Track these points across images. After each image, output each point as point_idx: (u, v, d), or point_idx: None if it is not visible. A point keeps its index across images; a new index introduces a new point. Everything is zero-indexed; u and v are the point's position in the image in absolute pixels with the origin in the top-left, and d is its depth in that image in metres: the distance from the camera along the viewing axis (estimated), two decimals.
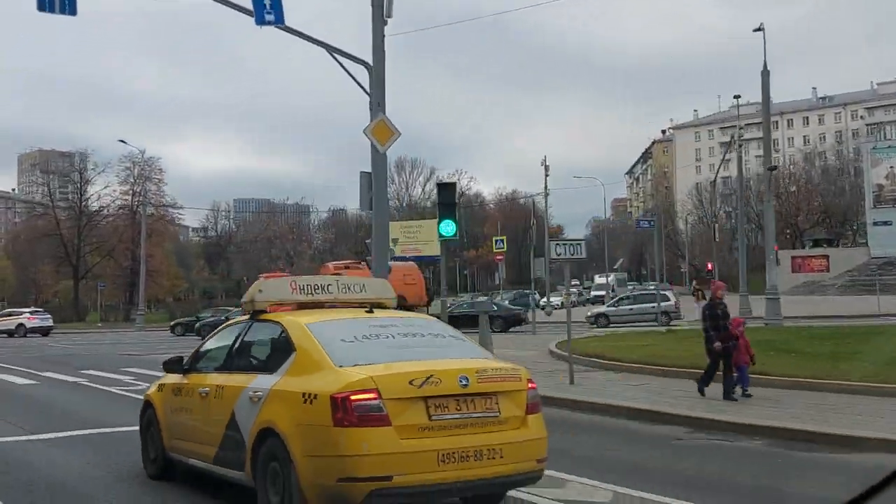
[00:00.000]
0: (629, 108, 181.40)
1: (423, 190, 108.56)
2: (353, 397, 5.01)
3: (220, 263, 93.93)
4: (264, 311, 6.57)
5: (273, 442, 5.39)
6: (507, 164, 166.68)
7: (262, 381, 5.80)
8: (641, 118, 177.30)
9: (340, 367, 5.33)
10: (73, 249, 66.90)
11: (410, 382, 5.12)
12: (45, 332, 47.46)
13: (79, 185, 66.05)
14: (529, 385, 5.64)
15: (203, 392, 6.56)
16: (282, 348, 5.95)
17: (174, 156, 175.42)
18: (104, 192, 66.47)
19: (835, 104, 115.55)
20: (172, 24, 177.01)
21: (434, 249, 63.55)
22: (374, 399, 5.01)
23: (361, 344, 5.68)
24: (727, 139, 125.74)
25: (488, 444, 5.23)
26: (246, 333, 6.69)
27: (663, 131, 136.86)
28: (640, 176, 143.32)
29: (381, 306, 6.78)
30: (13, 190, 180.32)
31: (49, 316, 50.52)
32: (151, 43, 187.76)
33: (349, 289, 6.87)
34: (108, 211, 67.56)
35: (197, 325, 38.95)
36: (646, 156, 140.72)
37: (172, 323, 46.44)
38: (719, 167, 60.78)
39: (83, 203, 66.56)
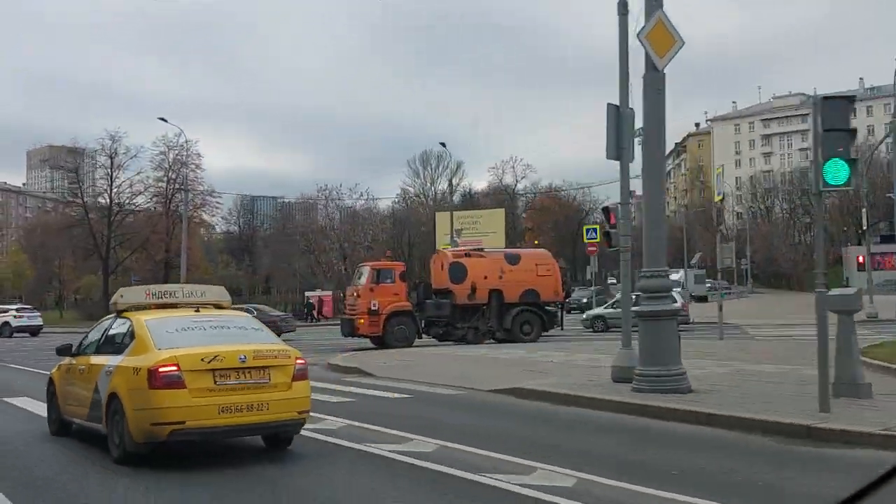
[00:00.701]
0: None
1: (449, 184, 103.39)
2: (160, 369, 7.55)
3: (244, 258, 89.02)
4: (124, 311, 9.08)
5: (116, 402, 7.89)
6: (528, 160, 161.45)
7: (113, 360, 8.31)
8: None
9: (159, 349, 7.85)
10: (102, 241, 61.54)
11: (202, 360, 7.65)
12: (33, 331, 42.77)
13: (109, 170, 60.58)
14: (298, 362, 8.17)
15: (81, 369, 9.12)
16: (128, 337, 8.47)
17: None
18: (136, 178, 60.87)
19: (884, 95, 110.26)
20: (174, 23, 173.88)
21: (497, 242, 58.33)
22: (176, 371, 7.53)
23: (179, 334, 8.16)
24: (770, 131, 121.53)
25: (258, 400, 7.73)
26: (111, 327, 9.20)
27: (697, 125, 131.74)
28: (672, 170, 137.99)
29: (218, 307, 9.32)
30: (23, 185, 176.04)
31: (38, 314, 45.85)
32: (153, 42, 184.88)
33: (192, 294, 9.41)
34: (140, 200, 62.11)
35: None
36: (678, 150, 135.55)
37: None
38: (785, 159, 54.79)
39: (113, 191, 61.19)
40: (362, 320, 24.82)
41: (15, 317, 43.57)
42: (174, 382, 7.42)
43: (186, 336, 8.06)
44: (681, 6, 14.80)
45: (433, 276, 26.70)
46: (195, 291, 9.43)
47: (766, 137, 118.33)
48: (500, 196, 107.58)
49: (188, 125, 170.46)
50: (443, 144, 60.08)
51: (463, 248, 29.41)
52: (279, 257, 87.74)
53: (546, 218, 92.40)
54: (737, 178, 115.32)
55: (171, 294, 9.23)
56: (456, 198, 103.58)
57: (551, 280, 26.08)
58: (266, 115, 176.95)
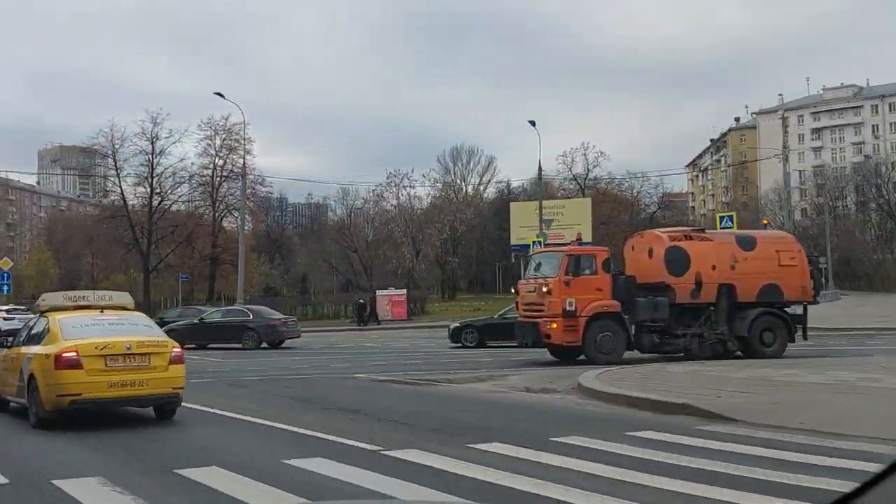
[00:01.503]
0: (659, 102, 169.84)
1: (480, 180, 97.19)
2: (64, 355, 9.88)
3: (276, 256, 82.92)
4: (46, 311, 11.35)
5: (33, 380, 10.22)
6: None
7: (33, 349, 10.63)
8: (681, 112, 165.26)
9: (65, 340, 10.16)
10: (142, 235, 55.17)
11: (96, 348, 9.99)
12: None
13: (150, 156, 54.12)
14: (174, 350, 10.55)
15: (12, 357, 11.40)
16: (45, 331, 10.72)
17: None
18: (180, 165, 54.33)
19: None
20: (181, 20, 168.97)
21: (583, 235, 51.78)
22: (75, 356, 9.85)
23: (83, 329, 10.41)
24: (820, 125, 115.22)
25: (140, 378, 10.07)
26: (35, 325, 11.51)
27: (737, 119, 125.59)
28: (710, 167, 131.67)
29: (123, 308, 11.66)
30: (37, 183, 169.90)
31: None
32: (161, 42, 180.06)
33: (101, 298, 11.84)
34: (183, 189, 55.54)
35: (163, 328, 29.43)
36: (718, 145, 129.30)
37: None
38: None
39: (154, 180, 54.64)
40: (554, 325, 17.93)
41: (4, 319, 37.54)
42: (73, 364, 9.86)
43: (88, 330, 10.42)
44: None
45: (635, 265, 19.87)
46: (104, 296, 12.11)
47: (817, 131, 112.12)
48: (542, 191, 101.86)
49: (195, 124, 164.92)
50: (532, 123, 51.38)
51: (682, 228, 22.75)
52: (316, 255, 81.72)
53: (616, 210, 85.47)
54: (784, 173, 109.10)
55: (84, 298, 11.77)
56: (490, 193, 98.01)
57: (797, 272, 19.01)
58: (269, 115, 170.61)
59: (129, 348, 10.10)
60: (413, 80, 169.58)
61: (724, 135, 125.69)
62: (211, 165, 54.46)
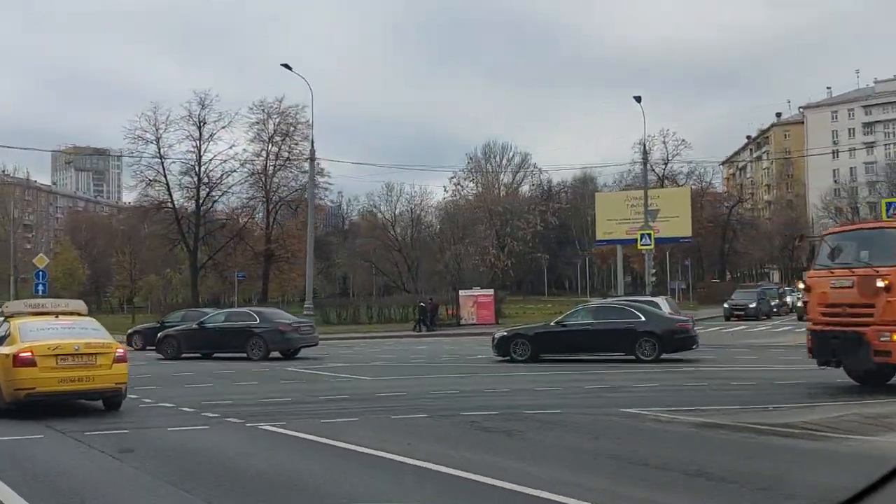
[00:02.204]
0: (678, 101, 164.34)
1: (514, 178, 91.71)
2: (20, 354, 11.33)
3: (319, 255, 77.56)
4: (10, 317, 12.63)
5: None
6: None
7: None
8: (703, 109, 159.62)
9: (23, 342, 11.56)
10: (189, 230, 49.74)
11: (48, 348, 11.43)
12: None
13: (197, 142, 48.58)
14: (118, 351, 12.06)
15: None
16: (6, 334, 12.07)
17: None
18: (231, 152, 48.66)
19: None
20: (190, 22, 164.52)
21: (681, 228, 46.64)
22: (30, 356, 11.31)
23: (39, 332, 11.85)
24: (872, 119, 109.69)
25: (87, 375, 11.59)
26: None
27: (778, 114, 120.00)
28: (750, 164, 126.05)
29: (77, 314, 13.07)
30: (54, 183, 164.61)
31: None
32: (170, 41, 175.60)
33: (57, 305, 13.33)
34: (233, 179, 49.79)
35: (159, 334, 25.00)
36: (758, 142, 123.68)
37: (129, 331, 30.71)
38: None
39: (202, 168, 49.12)
40: None
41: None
42: (28, 362, 11.29)
43: (43, 333, 11.85)
44: None
45: None
46: (60, 303, 13.60)
47: (868, 125, 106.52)
48: (585, 189, 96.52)
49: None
50: (637, 99, 44.79)
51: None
52: (356, 254, 76.51)
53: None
54: (834, 169, 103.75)
55: (42, 306, 13.30)
56: (525, 189, 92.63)
57: None
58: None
59: (77, 349, 11.67)
60: (423, 80, 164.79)
61: (766, 131, 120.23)
62: (263, 153, 48.96)
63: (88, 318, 13.27)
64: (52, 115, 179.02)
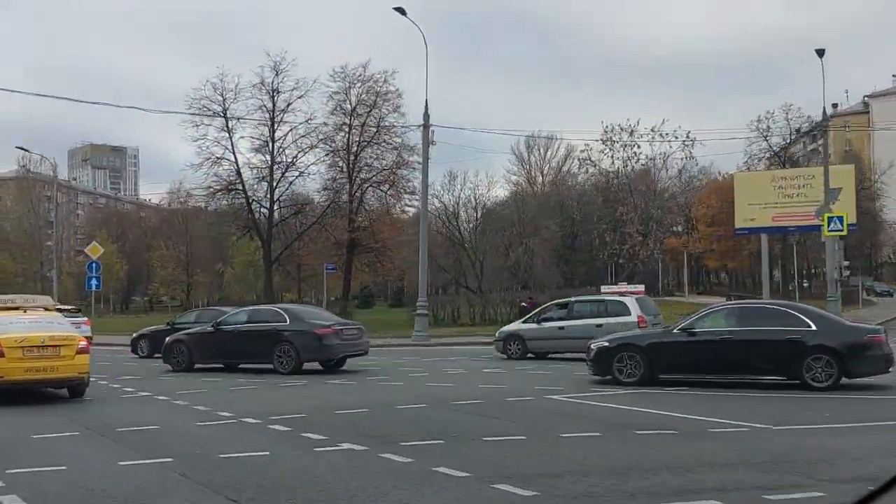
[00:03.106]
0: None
1: (559, 170, 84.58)
2: None
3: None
4: None
5: None
6: None
7: None
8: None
9: None
10: (262, 217, 42.75)
11: (16, 341, 12.40)
12: None
13: (270, 114, 41.41)
14: (80, 343, 12.91)
15: None
16: None
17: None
18: (310, 126, 41.33)
19: None
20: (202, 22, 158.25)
21: (846, 209, 39.28)
22: None
23: (8, 325, 12.80)
24: None
25: (51, 365, 12.49)
26: None
27: (835, 105, 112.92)
28: (802, 158, 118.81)
29: (45, 309, 14.60)
30: (74, 179, 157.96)
31: (83, 320, 26.93)
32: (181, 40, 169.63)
33: (27, 301, 14.78)
34: (309, 159, 42.40)
35: (167, 339, 19.75)
36: (815, 134, 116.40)
37: (135, 335, 25.69)
38: None
39: (276, 147, 42.10)
40: None
41: None
42: None
43: (11, 327, 12.77)
44: None
45: None
46: (30, 299, 15.08)
47: None
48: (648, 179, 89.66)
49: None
50: (819, 53, 37.02)
51: None
52: (410, 246, 69.41)
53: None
54: None
55: (12, 301, 14.55)
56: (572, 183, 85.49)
57: None
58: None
59: (42, 341, 12.58)
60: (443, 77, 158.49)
61: (822, 122, 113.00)
62: (345, 127, 41.84)
63: (54, 313, 14.53)
64: (66, 113, 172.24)
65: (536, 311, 22.54)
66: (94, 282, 36.36)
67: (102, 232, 71.49)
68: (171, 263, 58.37)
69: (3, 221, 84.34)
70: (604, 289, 33.92)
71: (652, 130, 44.15)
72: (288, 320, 17.61)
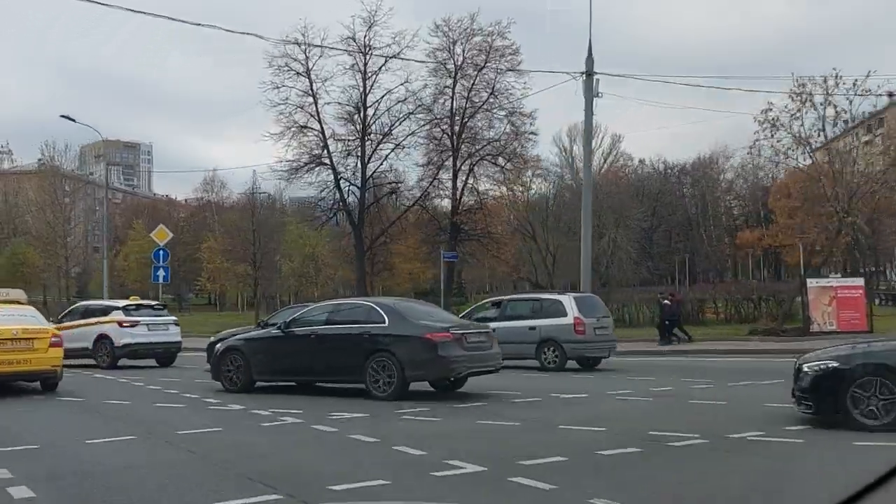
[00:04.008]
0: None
1: (605, 161, 77.62)
2: None
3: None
4: None
5: None
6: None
7: None
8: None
9: None
10: (353, 207, 35.72)
11: None
12: (164, 354, 20.51)
13: (362, 78, 34.26)
14: (52, 337, 13.00)
15: None
16: None
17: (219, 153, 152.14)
18: (407, 92, 34.29)
19: None
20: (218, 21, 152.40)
21: None
22: None
23: None
24: None
25: (24, 358, 12.54)
26: None
27: (891, 94, 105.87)
28: (857, 149, 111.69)
29: (17, 302, 14.55)
30: (91, 174, 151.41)
31: (172, 319, 21.76)
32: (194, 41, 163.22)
33: (1, 294, 14.96)
34: (401, 130, 35.37)
35: (217, 346, 14.51)
36: (868, 124, 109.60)
37: (212, 339, 18.71)
38: None
39: (368, 117, 35.13)
40: None
41: (124, 324, 19.67)
42: None
43: None
44: None
45: None
46: (3, 293, 15.00)
47: None
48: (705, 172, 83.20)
49: (225, 124, 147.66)
50: None
51: None
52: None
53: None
54: None
55: None
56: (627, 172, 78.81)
57: None
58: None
59: (15, 334, 12.58)
60: None
61: (879, 112, 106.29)
62: (449, 92, 34.90)
63: (27, 307, 14.67)
64: (75, 110, 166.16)
65: (468, 311, 19.89)
66: (161, 272, 29.38)
67: (139, 223, 64.76)
68: (219, 256, 51.50)
69: (24, 214, 78.33)
70: (812, 282, 27.06)
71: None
72: (387, 320, 11.95)
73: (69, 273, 72.50)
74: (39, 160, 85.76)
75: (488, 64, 33.65)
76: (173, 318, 21.43)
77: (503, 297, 20.19)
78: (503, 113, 33.92)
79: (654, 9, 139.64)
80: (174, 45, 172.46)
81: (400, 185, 35.37)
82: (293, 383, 12.94)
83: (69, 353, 20.52)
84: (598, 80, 24.80)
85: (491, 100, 33.94)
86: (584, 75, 24.61)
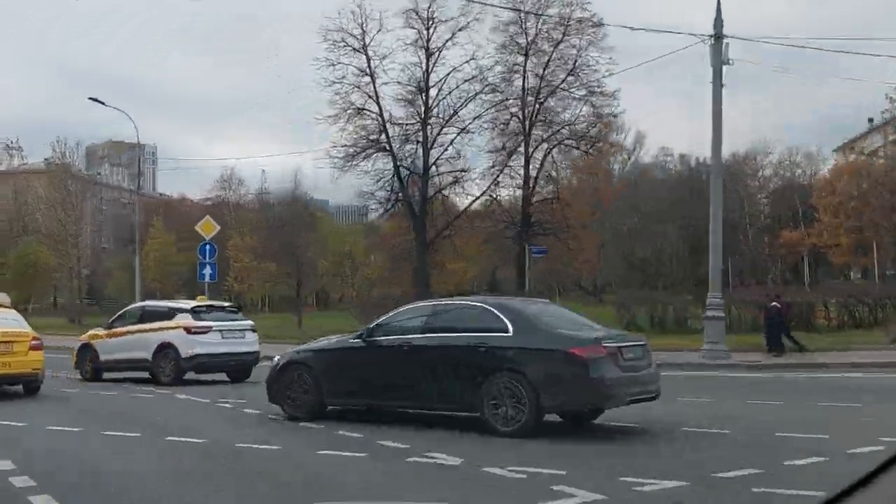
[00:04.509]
0: None
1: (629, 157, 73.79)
2: None
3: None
4: None
5: None
6: None
7: None
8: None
9: None
10: (414, 199, 31.64)
11: None
12: (238, 367, 16.66)
13: (424, 50, 30.23)
14: (33, 340, 12.90)
15: None
16: None
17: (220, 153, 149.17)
18: (473, 69, 30.33)
19: None
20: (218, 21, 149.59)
21: None
22: None
23: None
24: None
25: (4, 361, 12.30)
26: None
27: None
28: (883, 149, 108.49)
29: (1, 305, 13.84)
30: (98, 174, 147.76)
31: (249, 325, 17.55)
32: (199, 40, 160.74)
33: None
34: (467, 112, 31.41)
35: (277, 359, 10.73)
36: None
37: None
38: None
39: (430, 98, 30.90)
40: None
41: (193, 330, 15.85)
42: None
43: None
44: None
45: None
46: None
47: None
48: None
49: (225, 124, 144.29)
50: None
51: None
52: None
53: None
54: None
55: None
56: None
57: None
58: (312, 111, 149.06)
59: None
60: None
61: None
62: (519, 70, 31.13)
63: (9, 310, 13.98)
64: (79, 111, 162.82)
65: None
66: (208, 270, 25.43)
67: (158, 219, 61.02)
68: (247, 255, 47.81)
69: (34, 212, 75.22)
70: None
71: None
72: (511, 327, 8.77)
73: (80, 273, 69.39)
74: (46, 160, 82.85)
75: (566, 38, 29.90)
76: (250, 322, 17.54)
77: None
78: (582, 93, 30.12)
79: None
80: (174, 45, 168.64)
81: (465, 173, 31.56)
82: (374, 408, 9.73)
83: (121, 365, 16.97)
84: (727, 44, 21.06)
85: (570, 78, 30.12)
86: (712, 38, 20.82)
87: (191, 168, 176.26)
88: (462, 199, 33.14)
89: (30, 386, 12.95)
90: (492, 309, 9.07)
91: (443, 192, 31.81)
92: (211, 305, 17.37)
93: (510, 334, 8.59)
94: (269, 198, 61.02)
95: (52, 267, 63.22)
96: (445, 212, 31.89)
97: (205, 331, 16.03)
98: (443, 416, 9.20)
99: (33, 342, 12.89)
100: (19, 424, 9.59)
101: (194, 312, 16.42)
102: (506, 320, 8.76)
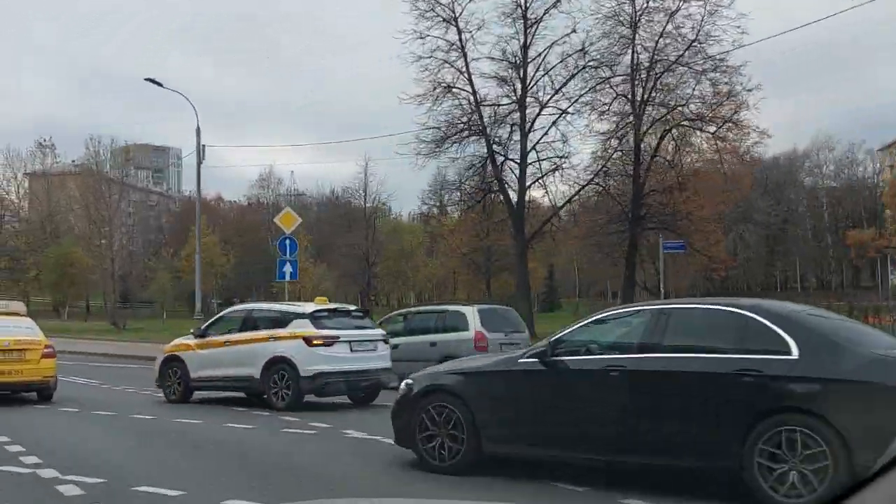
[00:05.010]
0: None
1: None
2: None
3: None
4: None
5: None
6: None
7: None
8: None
9: None
10: (514, 189, 27.44)
11: None
12: (368, 389, 13.00)
13: (523, 21, 26.09)
14: (45, 348, 12.89)
15: None
16: None
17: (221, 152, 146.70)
18: (570, 44, 26.38)
19: None
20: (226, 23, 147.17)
21: None
22: None
23: None
24: None
25: (16, 369, 12.47)
26: None
27: None
28: None
29: (15, 314, 14.02)
30: (126, 175, 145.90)
31: (380, 335, 13.67)
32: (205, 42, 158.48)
33: (4, 307, 14.48)
34: (565, 92, 27.66)
35: (406, 382, 7.42)
36: None
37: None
38: None
39: (529, 81, 26.91)
40: None
41: (316, 342, 12.25)
42: None
43: None
44: None
45: None
46: (3, 305, 14.64)
47: None
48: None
49: (225, 124, 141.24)
50: None
51: None
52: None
53: None
54: None
55: None
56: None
57: None
58: (326, 116, 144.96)
59: (7, 345, 12.49)
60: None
61: None
62: (626, 43, 27.26)
63: (24, 318, 14.06)
64: (76, 110, 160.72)
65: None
66: (288, 267, 21.70)
67: (203, 218, 57.60)
68: (302, 255, 44.53)
69: (67, 213, 72.90)
70: None
71: None
72: (794, 348, 5.78)
73: (114, 275, 66.90)
74: (73, 161, 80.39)
75: (685, 4, 25.99)
76: (381, 331, 13.72)
77: (409, 309, 19.27)
78: (702, 67, 26.16)
79: None
80: (174, 45, 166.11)
81: (565, 159, 27.62)
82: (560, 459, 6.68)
83: (218, 384, 13.38)
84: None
85: (688, 52, 26.21)
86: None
87: (213, 167, 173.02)
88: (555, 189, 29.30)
89: (43, 393, 13.09)
90: (756, 317, 6.12)
91: (543, 179, 27.90)
92: (335, 309, 13.53)
93: (795, 357, 5.75)
94: (305, 199, 57.97)
95: (89, 269, 60.37)
96: (536, 206, 27.89)
97: (330, 342, 12.28)
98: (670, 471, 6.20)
99: (46, 350, 13.04)
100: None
101: (315, 318, 12.51)
102: (785, 336, 5.87)
